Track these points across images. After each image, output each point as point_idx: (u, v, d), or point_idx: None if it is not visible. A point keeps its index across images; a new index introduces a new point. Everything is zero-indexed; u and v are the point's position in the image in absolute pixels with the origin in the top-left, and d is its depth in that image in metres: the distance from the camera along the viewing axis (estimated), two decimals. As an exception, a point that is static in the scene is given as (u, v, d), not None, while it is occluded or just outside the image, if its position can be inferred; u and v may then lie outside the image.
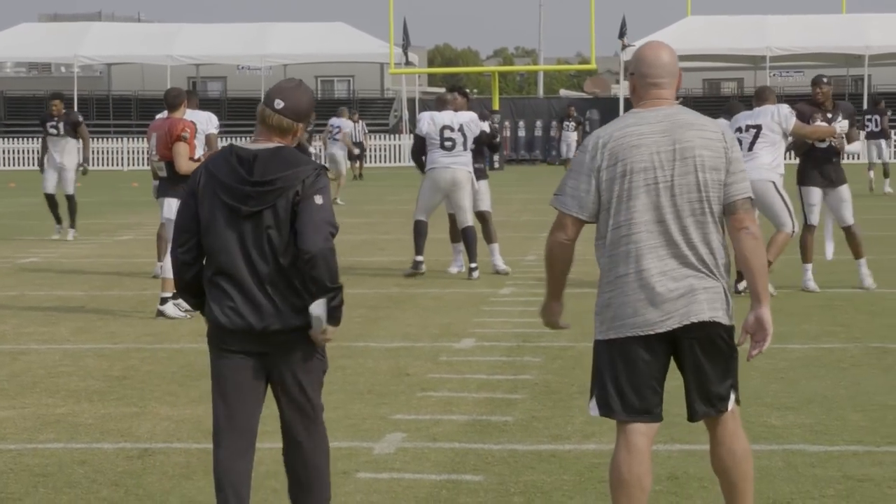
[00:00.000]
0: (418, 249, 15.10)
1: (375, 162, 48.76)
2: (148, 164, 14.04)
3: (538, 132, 53.42)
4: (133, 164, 48.97)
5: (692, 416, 5.20)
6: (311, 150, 28.68)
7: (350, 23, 54.55)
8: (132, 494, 6.52)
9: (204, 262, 5.35)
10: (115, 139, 50.85)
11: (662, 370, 5.11)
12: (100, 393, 8.94)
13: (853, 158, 15.86)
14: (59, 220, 20.58)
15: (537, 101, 57.78)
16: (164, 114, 12.82)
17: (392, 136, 50.56)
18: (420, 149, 15.14)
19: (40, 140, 20.94)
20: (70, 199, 20.36)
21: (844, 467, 6.85)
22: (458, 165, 14.96)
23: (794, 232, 13.11)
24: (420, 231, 15.14)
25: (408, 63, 49.22)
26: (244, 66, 55.38)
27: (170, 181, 12.47)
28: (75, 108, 49.79)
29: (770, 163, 12.95)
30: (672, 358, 5.13)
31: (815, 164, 13.53)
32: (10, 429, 7.95)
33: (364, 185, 36.02)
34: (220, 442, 5.40)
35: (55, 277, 15.61)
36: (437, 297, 13.59)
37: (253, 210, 5.16)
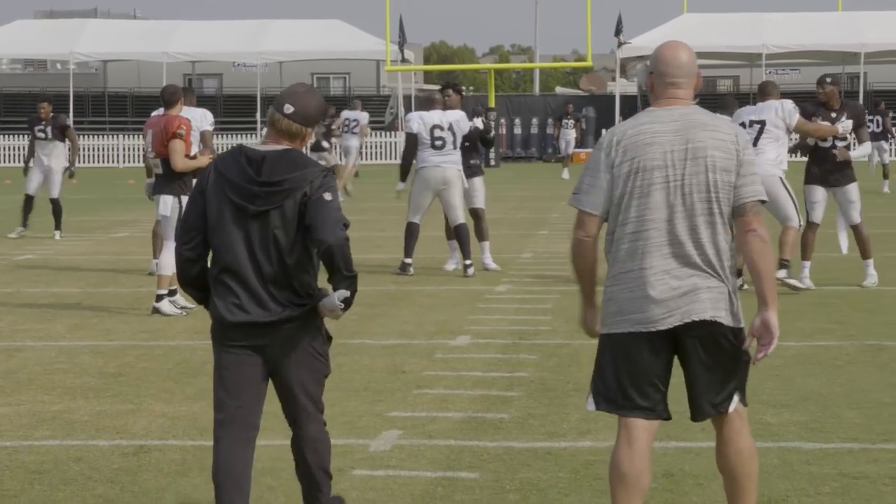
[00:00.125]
0: (408, 251, 15.10)
1: (371, 159, 48.74)
2: (143, 162, 14.03)
3: (534, 129, 53.42)
4: (129, 162, 48.92)
5: (695, 416, 5.20)
6: (325, 144, 28.79)
7: (346, 20, 54.51)
8: (128, 491, 6.52)
9: (209, 258, 5.43)
10: (110, 136, 50.80)
11: (664, 367, 5.12)
12: (95, 390, 8.94)
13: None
14: (24, 224, 20.40)
15: (533, 98, 57.80)
16: (161, 111, 12.81)
17: (388, 133, 50.53)
18: (413, 148, 15.15)
19: (27, 143, 20.81)
20: (55, 202, 20.21)
21: (840, 465, 6.85)
22: (448, 164, 14.98)
23: (800, 225, 13.17)
24: (411, 233, 15.14)
25: (404, 60, 49.23)
26: (240, 64, 55.41)
27: (166, 178, 12.46)
28: (71, 106, 49.99)
29: (774, 158, 13.01)
30: (676, 357, 5.14)
31: (819, 162, 13.56)
32: (6, 426, 7.94)
33: (360, 182, 36.01)
34: (222, 436, 5.44)
35: (51, 274, 15.60)
36: (433, 294, 13.59)
37: (260, 210, 5.26)
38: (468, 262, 14.94)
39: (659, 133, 5.08)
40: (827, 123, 13.41)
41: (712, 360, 5.09)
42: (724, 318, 5.07)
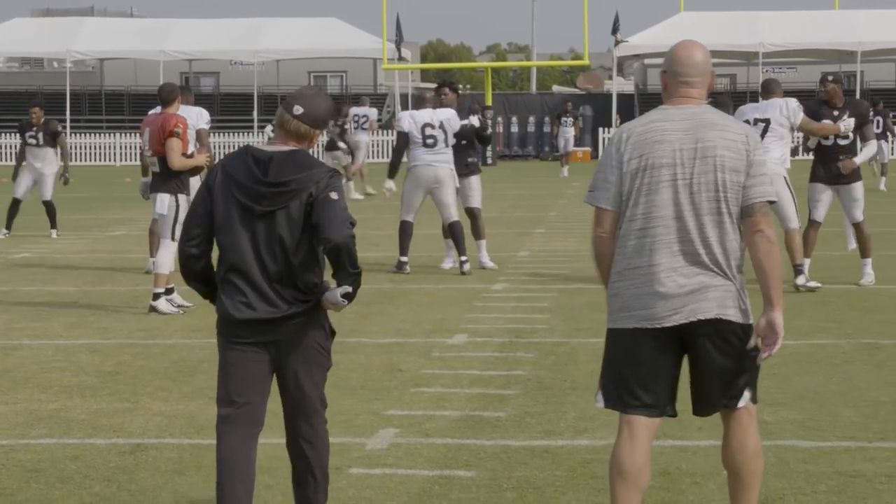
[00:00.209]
0: (403, 250, 15.11)
1: (367, 157, 48.66)
2: (139, 160, 14.02)
3: (531, 128, 53.44)
4: (125, 160, 48.91)
5: (699, 411, 5.21)
6: (341, 144, 28.95)
7: (343, 18, 54.47)
8: (124, 490, 6.51)
9: (210, 254, 5.49)
10: (107, 134, 50.77)
11: (670, 364, 5.13)
12: (92, 388, 8.94)
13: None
14: (9, 227, 20.36)
15: (530, 96, 57.79)
16: (158, 109, 12.81)
17: (384, 131, 50.52)
18: (403, 146, 15.19)
19: (17, 149, 20.67)
20: (48, 204, 20.16)
21: (836, 463, 6.86)
22: (440, 163, 14.99)
23: (800, 226, 13.23)
24: (405, 231, 15.15)
25: (400, 59, 49.22)
26: (237, 62, 55.40)
27: (162, 176, 12.45)
28: (67, 104, 49.97)
29: (779, 157, 13.03)
30: (685, 355, 5.15)
31: (822, 160, 13.57)
32: (3, 424, 7.94)
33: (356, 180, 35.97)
34: (225, 431, 5.46)
35: (47, 273, 15.59)
36: (430, 292, 13.59)
37: (266, 210, 5.32)
38: (464, 258, 14.95)
39: (669, 131, 5.11)
40: (829, 122, 13.41)
41: (722, 358, 5.11)
42: (733, 315, 5.08)
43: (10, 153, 49.27)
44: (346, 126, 29.69)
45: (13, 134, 49.03)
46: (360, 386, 8.85)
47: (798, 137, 13.67)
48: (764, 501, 6.14)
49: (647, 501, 6.09)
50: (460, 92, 16.18)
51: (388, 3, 47.41)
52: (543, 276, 14.73)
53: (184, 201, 12.45)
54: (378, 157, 49.59)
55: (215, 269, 5.49)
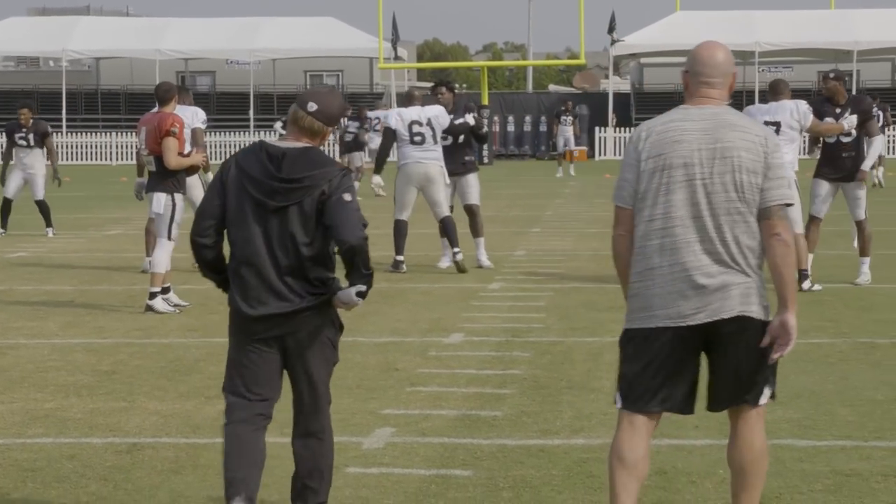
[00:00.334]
0: (398, 249, 15.11)
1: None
2: (136, 160, 14.01)
3: (527, 127, 53.44)
4: (121, 159, 48.87)
5: (715, 407, 5.22)
6: (367, 139, 29.27)
7: (339, 17, 54.47)
8: (121, 489, 6.51)
9: (221, 245, 5.58)
10: (103, 133, 50.73)
11: (691, 364, 5.15)
12: (88, 387, 8.93)
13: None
14: (4, 226, 20.36)
15: (526, 95, 57.79)
16: (156, 108, 12.80)
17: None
18: (389, 142, 15.23)
19: (4, 149, 20.54)
20: (41, 203, 20.15)
21: (832, 462, 6.87)
22: (429, 160, 15.00)
23: (803, 230, 13.26)
24: (400, 231, 15.15)
25: (397, 58, 49.18)
26: (233, 61, 55.30)
27: (159, 176, 12.44)
28: (63, 103, 49.94)
29: (790, 160, 13.02)
30: (705, 353, 5.17)
31: (826, 157, 13.58)
32: (-1, 423, 7.94)
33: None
34: (235, 420, 5.53)
35: (43, 272, 15.58)
36: (427, 292, 13.59)
37: (279, 205, 5.41)
38: (456, 249, 14.95)
39: (688, 131, 5.13)
40: (831, 120, 13.42)
41: (745, 355, 5.13)
42: (755, 312, 5.11)
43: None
44: (366, 127, 29.98)
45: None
46: (356, 385, 8.85)
47: (805, 137, 13.67)
48: (760, 500, 6.14)
49: (644, 501, 6.09)
50: (457, 91, 16.17)
51: (384, 2, 47.37)
52: (540, 276, 14.73)
53: (180, 201, 12.45)
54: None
55: (227, 261, 5.59)
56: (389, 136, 15.24)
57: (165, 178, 12.38)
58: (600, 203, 26.26)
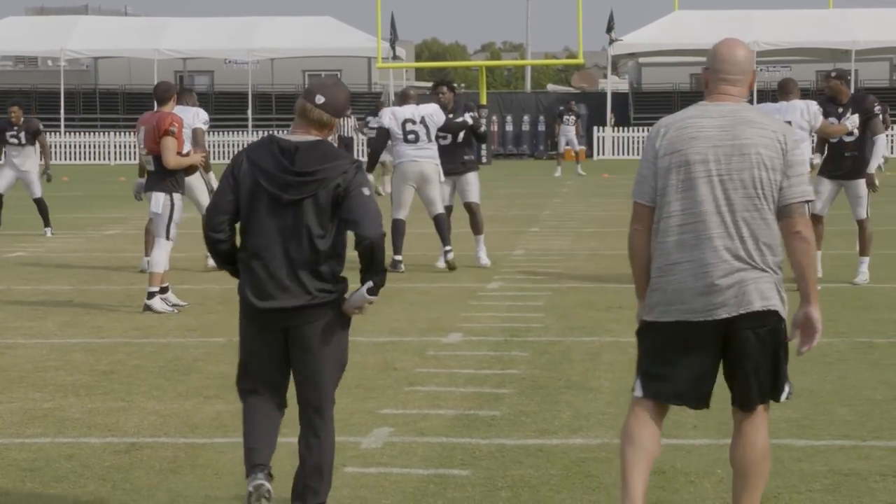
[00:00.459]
0: (396, 249, 15.11)
1: (362, 156, 48.70)
2: (135, 159, 14.00)
3: (525, 126, 53.40)
4: (120, 159, 48.84)
5: (742, 405, 5.23)
6: (362, 136, 29.39)
7: (337, 17, 54.43)
8: (119, 489, 6.51)
9: (234, 238, 5.66)
10: (101, 133, 50.70)
11: (709, 358, 5.17)
12: (87, 387, 8.93)
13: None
14: None
15: (525, 95, 57.75)
16: (155, 108, 12.80)
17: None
18: (382, 140, 15.26)
19: None
20: (39, 201, 20.14)
21: (831, 462, 6.87)
22: (424, 159, 15.01)
23: None
24: (398, 230, 15.15)
25: (395, 57, 49.17)
26: (231, 61, 55.27)
27: (157, 175, 12.44)
28: (62, 103, 49.92)
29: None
30: (725, 349, 5.18)
31: (830, 156, 13.59)
32: (-3, 423, 7.94)
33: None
34: (251, 403, 5.65)
35: (42, 272, 15.58)
36: (425, 291, 13.59)
37: (294, 198, 5.47)
38: (448, 248, 14.98)
39: (706, 128, 5.15)
40: (833, 120, 13.42)
41: (765, 350, 5.17)
42: (777, 307, 5.15)
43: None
44: (363, 126, 30.07)
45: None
46: (354, 385, 8.84)
47: (814, 137, 13.67)
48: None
49: (642, 500, 6.09)
50: (456, 91, 16.18)
51: (382, 1, 47.35)
52: (538, 275, 14.73)
53: (178, 200, 12.45)
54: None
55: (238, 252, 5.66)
56: (382, 135, 15.28)
57: (164, 177, 12.38)
58: (598, 203, 26.27)
